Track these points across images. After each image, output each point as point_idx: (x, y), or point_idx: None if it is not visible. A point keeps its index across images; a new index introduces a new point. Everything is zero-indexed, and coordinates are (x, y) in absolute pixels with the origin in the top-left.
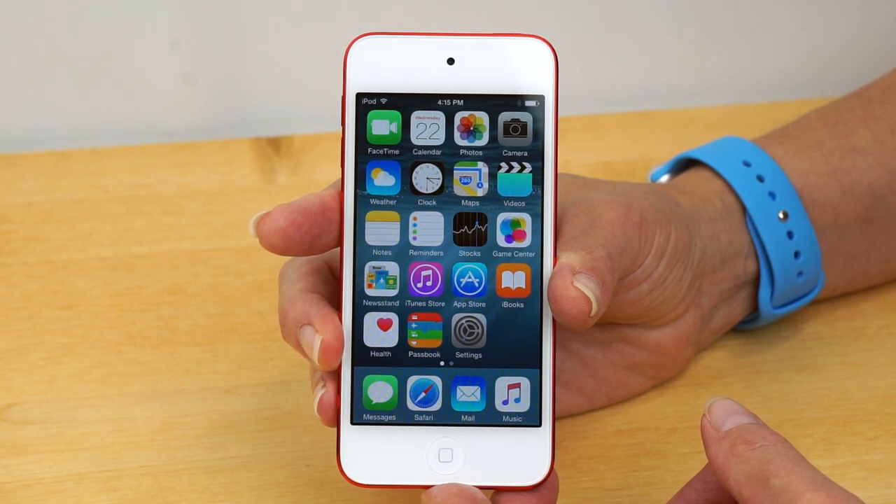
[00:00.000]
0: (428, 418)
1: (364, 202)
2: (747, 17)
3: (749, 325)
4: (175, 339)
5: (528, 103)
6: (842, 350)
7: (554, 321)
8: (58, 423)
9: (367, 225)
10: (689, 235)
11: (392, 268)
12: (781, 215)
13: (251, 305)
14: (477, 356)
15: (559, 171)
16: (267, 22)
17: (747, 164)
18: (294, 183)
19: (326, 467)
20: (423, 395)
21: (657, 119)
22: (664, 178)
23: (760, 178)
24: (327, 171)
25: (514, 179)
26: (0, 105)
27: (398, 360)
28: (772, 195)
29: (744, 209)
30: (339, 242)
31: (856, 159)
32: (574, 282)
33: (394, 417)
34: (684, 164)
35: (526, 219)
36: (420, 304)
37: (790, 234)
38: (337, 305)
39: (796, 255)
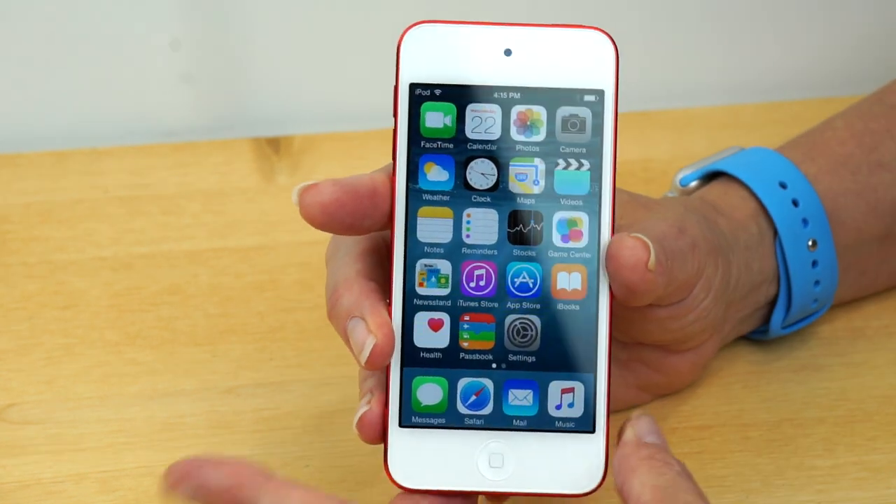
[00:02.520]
0: (478, 422)
1: (416, 197)
2: (747, 18)
3: (753, 337)
4: (175, 339)
5: (588, 98)
6: (842, 350)
7: (610, 324)
8: (57, 423)
9: (419, 221)
10: (729, 267)
11: (444, 266)
12: (811, 243)
13: (251, 305)
14: (530, 359)
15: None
16: (267, 22)
17: (783, 186)
18: (294, 183)
19: (326, 467)
20: (473, 397)
21: (657, 119)
22: (693, 185)
23: (795, 203)
24: (327, 171)
25: (572, 177)
26: (0, 105)
27: (449, 361)
28: (805, 222)
29: (775, 232)
30: (390, 238)
31: (882, 176)
32: (630, 234)
33: (443, 420)
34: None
35: (583, 218)
36: (472, 304)
37: (815, 263)
38: (389, 294)
39: (816, 283)
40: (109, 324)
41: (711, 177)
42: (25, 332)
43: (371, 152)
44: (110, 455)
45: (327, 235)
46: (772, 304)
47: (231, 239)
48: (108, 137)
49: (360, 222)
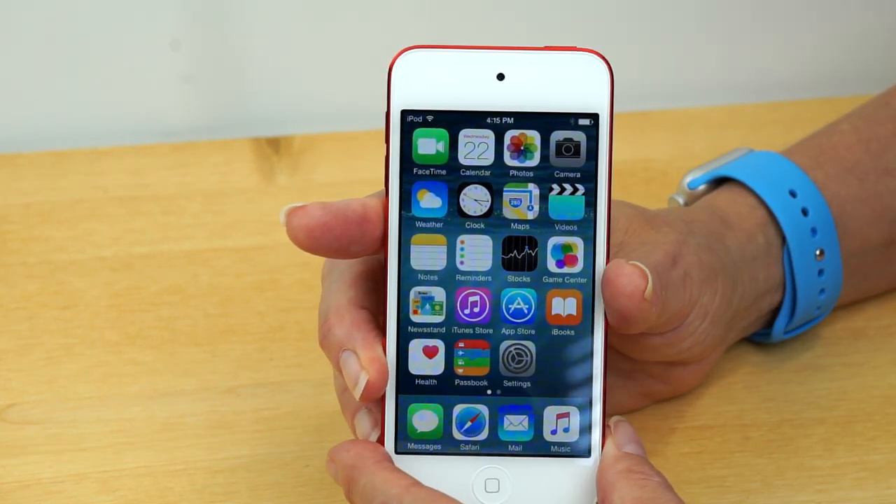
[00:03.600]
0: (474, 448)
1: (409, 224)
2: (747, 18)
3: (754, 339)
4: (175, 339)
5: (582, 122)
6: (842, 350)
7: (605, 349)
8: (57, 423)
9: (413, 248)
10: (733, 286)
11: (438, 293)
12: (818, 253)
13: (251, 305)
14: (525, 385)
15: (616, 197)
16: (267, 22)
17: (793, 195)
18: (294, 183)
19: (325, 468)
20: (469, 423)
21: (657, 119)
22: (701, 188)
23: (805, 212)
24: (327, 171)
25: (566, 202)
26: (0, 105)
27: (444, 388)
28: (813, 231)
29: (783, 240)
30: (384, 266)
31: (889, 183)
32: (629, 262)
33: (439, 447)
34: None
35: (578, 243)
36: (467, 330)
37: (821, 272)
38: (383, 321)
39: (821, 291)
40: (109, 324)
41: (720, 179)
42: (25, 332)
43: (371, 152)
44: (110, 455)
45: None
46: (775, 310)
47: (231, 239)
48: (108, 137)
49: (347, 247)
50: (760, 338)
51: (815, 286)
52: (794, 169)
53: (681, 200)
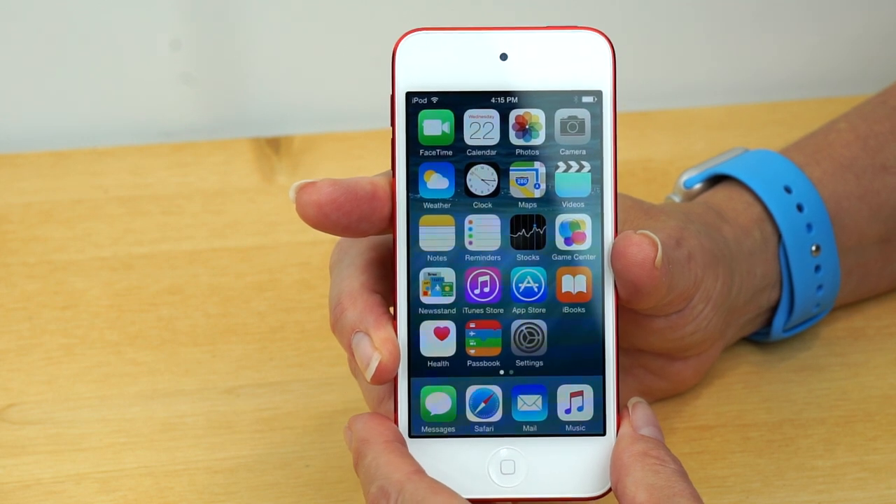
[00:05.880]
0: (488, 429)
1: (417, 206)
2: (747, 18)
3: (754, 339)
4: (175, 339)
5: (586, 99)
6: (842, 350)
7: (617, 325)
8: (57, 423)
9: (421, 230)
10: (731, 275)
11: (448, 274)
12: (814, 248)
13: (251, 305)
14: (538, 364)
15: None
16: (267, 22)
17: (788, 191)
18: (293, 183)
19: (326, 468)
20: (482, 405)
21: (657, 119)
22: (697, 187)
23: (800, 208)
24: (327, 171)
25: (573, 179)
26: (0, 105)
27: (456, 369)
28: (809, 227)
29: (779, 237)
30: (393, 248)
31: (886, 179)
32: (637, 232)
33: (453, 429)
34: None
35: (586, 220)
36: (478, 311)
37: (818, 268)
38: (393, 306)
39: (819, 287)
40: (109, 324)
41: (715, 179)
42: (25, 332)
43: (371, 152)
44: (110, 455)
45: (329, 235)
46: (774, 308)
47: (231, 239)
48: (108, 137)
49: (356, 224)
50: (760, 337)
51: (813, 282)
52: (790, 165)
53: (677, 200)
